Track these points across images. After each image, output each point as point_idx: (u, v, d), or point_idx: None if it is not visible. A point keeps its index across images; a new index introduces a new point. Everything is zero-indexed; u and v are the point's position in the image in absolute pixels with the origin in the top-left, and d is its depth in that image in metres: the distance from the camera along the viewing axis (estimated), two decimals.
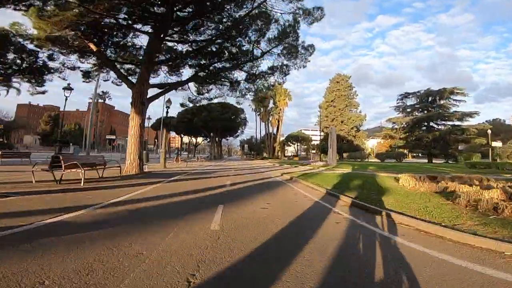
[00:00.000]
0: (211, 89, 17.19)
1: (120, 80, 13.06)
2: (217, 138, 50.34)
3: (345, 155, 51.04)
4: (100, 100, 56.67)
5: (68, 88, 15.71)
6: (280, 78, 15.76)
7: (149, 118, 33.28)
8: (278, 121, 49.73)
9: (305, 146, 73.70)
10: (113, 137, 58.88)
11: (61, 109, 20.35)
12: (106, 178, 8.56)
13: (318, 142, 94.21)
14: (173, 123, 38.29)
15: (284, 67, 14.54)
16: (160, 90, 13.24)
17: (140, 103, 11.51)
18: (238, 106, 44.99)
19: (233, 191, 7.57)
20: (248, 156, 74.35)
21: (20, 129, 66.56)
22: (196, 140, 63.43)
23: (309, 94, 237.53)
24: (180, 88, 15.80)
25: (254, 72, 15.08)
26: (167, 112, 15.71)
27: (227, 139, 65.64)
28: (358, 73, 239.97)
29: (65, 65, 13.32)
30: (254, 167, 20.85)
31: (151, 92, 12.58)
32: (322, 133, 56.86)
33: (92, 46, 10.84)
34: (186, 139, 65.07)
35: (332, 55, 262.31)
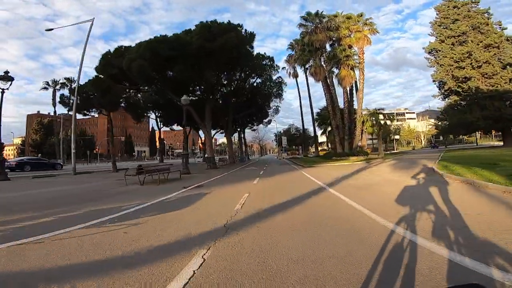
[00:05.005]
0: None
1: None
2: (209, 123, 25.68)
3: None
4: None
5: None
6: None
7: None
8: (356, 72, 22.76)
9: (378, 130, 44.83)
10: None
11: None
12: None
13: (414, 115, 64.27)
14: (90, 89, 15.57)
15: None
16: None
17: None
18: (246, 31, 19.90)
19: None
20: (290, 153, 48.49)
21: None
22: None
23: None
24: None
25: None
26: None
27: (254, 129, 40.28)
28: (396, 57, 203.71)
29: None
30: None
31: None
32: (448, 93, 28.50)
33: None
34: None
35: None
